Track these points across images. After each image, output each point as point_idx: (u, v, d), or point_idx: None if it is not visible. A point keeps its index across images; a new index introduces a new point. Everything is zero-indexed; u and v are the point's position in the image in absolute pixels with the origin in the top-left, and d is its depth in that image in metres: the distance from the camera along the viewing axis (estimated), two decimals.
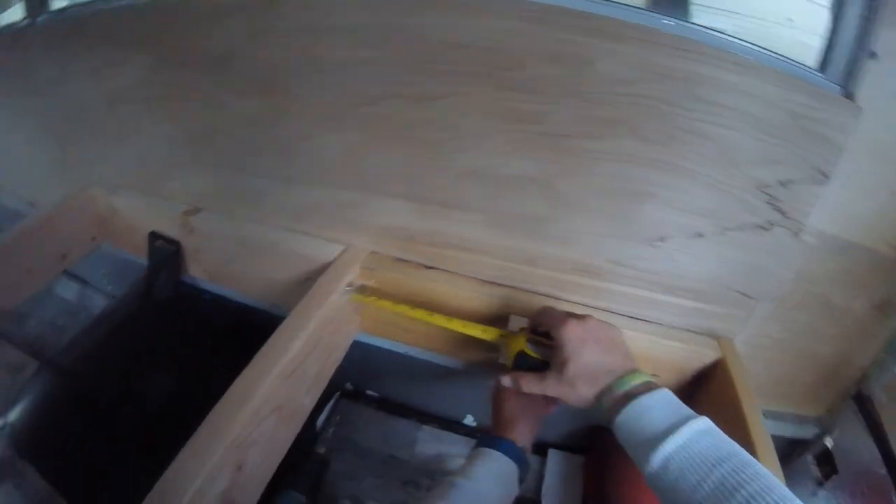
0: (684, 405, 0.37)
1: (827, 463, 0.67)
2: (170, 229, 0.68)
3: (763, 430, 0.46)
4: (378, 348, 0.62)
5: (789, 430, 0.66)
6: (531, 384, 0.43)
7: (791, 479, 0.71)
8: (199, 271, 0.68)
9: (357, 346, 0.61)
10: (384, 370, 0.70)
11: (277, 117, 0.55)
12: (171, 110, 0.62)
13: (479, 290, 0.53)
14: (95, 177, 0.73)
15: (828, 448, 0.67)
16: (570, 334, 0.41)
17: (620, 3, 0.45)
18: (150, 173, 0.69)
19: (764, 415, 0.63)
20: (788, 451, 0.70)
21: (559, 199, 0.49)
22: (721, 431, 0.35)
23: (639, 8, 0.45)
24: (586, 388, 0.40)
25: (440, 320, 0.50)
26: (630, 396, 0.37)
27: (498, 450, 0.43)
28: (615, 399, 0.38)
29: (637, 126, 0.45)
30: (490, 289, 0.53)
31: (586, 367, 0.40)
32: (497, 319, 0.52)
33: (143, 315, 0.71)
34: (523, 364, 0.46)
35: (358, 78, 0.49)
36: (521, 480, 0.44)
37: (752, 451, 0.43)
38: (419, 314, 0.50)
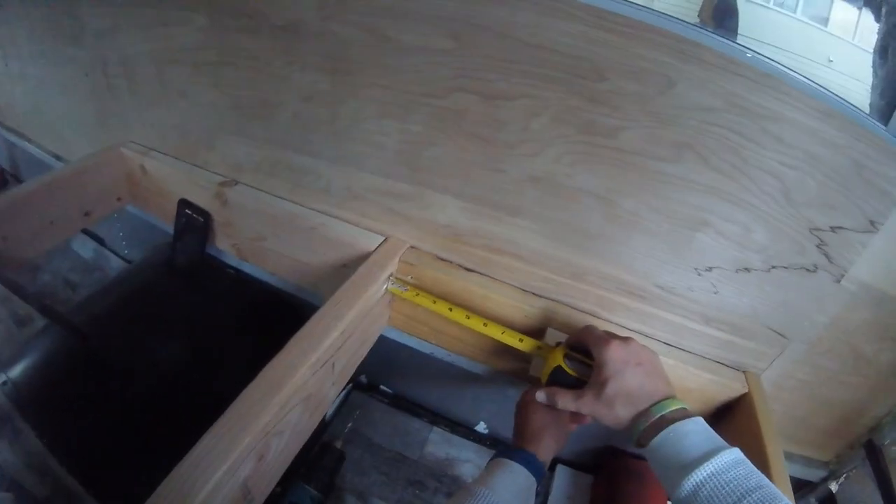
0: (717, 435, 0.38)
1: None
2: (201, 199, 0.66)
3: (783, 468, 0.47)
4: (399, 344, 0.61)
5: (796, 471, 0.66)
6: (566, 401, 0.43)
7: None
8: (226, 245, 0.67)
9: (381, 341, 0.60)
10: (402, 366, 0.69)
11: (338, 96, 0.53)
12: (223, 76, 0.60)
13: (519, 299, 0.52)
14: (130, 136, 0.71)
15: (832, 493, 0.68)
16: (613, 355, 0.41)
17: (706, 31, 0.45)
18: (190, 139, 0.67)
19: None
20: (794, 493, 0.71)
21: (617, 218, 0.49)
22: (751, 463, 0.35)
23: (726, 37, 0.45)
24: (624, 410, 0.40)
25: (477, 324, 0.50)
26: (666, 421, 0.38)
27: (520, 462, 0.43)
28: (651, 423, 0.39)
29: (707, 154, 0.45)
30: (531, 299, 0.53)
31: (626, 389, 0.40)
32: (532, 332, 0.52)
33: (163, 283, 0.69)
34: (558, 380, 0.46)
35: (431, 67, 0.47)
36: (537, 494, 0.43)
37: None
38: (457, 315, 0.50)
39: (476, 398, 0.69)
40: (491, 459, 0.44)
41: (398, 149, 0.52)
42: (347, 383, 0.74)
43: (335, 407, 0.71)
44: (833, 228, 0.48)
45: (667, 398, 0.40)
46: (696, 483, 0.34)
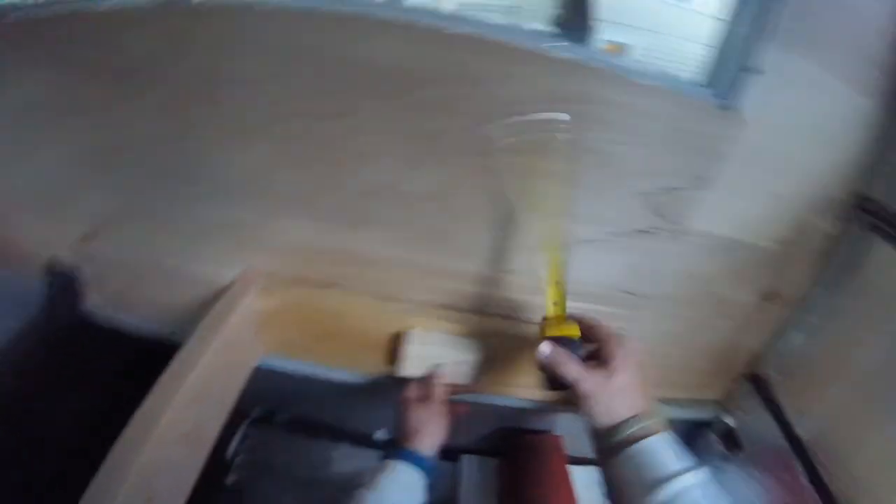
0: (688, 453, 0.38)
1: (731, 440, 0.73)
2: (67, 256, 0.64)
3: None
4: (284, 371, 0.61)
5: (689, 413, 0.70)
6: (572, 368, 0.41)
7: (698, 457, 0.77)
8: (97, 299, 0.65)
9: (263, 371, 0.60)
10: (292, 392, 0.69)
11: (181, 134, 0.52)
12: (71, 128, 0.57)
13: (381, 306, 0.53)
14: None
15: (730, 426, 0.72)
16: (631, 347, 0.42)
17: (511, 27, 0.45)
18: (46, 195, 0.64)
19: (663, 401, 0.69)
20: (692, 433, 0.76)
21: (456, 214, 0.50)
22: (717, 485, 0.36)
23: (530, 31, 0.45)
24: (622, 406, 0.40)
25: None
26: (646, 433, 0.38)
27: (402, 460, 0.45)
28: (633, 433, 0.38)
29: (528, 143, 0.45)
30: (390, 304, 0.54)
31: (631, 386, 0.41)
32: (396, 336, 0.53)
33: (42, 348, 0.67)
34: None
35: (262, 97, 0.47)
36: (431, 486, 0.45)
37: None
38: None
39: (369, 407, 0.70)
40: (379, 462, 0.46)
41: (240, 180, 0.52)
42: (238, 419, 0.74)
43: (235, 445, 0.71)
44: (664, 191, 0.50)
45: (637, 416, 0.39)
46: (666, 498, 0.34)
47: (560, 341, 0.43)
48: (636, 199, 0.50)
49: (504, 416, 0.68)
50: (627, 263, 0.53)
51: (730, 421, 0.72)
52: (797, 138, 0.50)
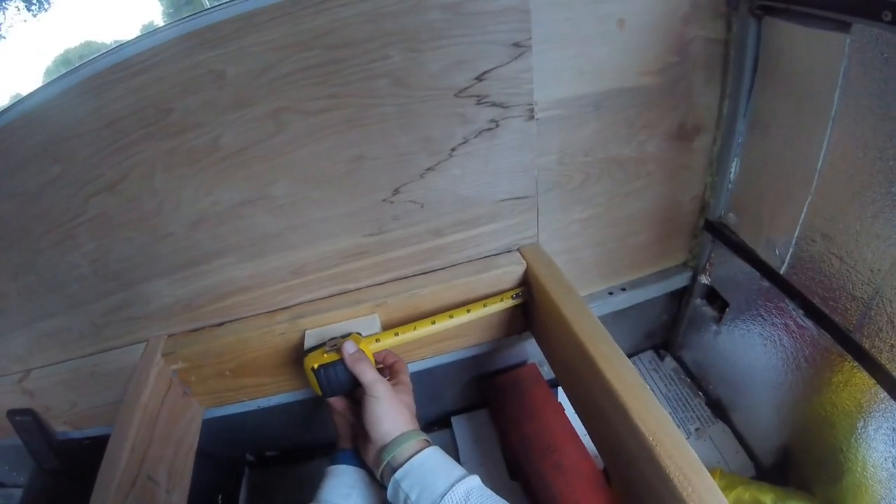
0: (454, 463, 0.40)
1: (715, 299, 0.66)
2: (18, 401, 0.66)
3: (588, 319, 0.44)
4: (242, 413, 0.60)
5: (661, 288, 0.64)
6: (370, 369, 0.44)
7: (692, 327, 0.70)
8: (61, 425, 0.67)
9: (226, 420, 0.60)
10: (265, 429, 0.69)
11: (28, 261, 0.52)
12: None
13: (269, 322, 0.51)
14: None
15: (708, 285, 0.65)
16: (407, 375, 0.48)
17: (213, 7, 0.41)
18: None
19: (623, 288, 0.63)
20: (676, 305, 0.69)
21: (282, 206, 0.47)
22: (488, 490, 0.37)
23: None
24: (402, 418, 0.42)
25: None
26: (408, 455, 0.40)
27: (343, 462, 0.45)
28: (395, 459, 0.40)
29: (301, 104, 0.42)
30: (277, 316, 0.52)
31: (409, 405, 0.45)
32: (296, 344, 0.51)
33: (49, 487, 0.70)
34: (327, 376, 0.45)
35: (60, 194, 0.46)
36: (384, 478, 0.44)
37: (580, 343, 0.42)
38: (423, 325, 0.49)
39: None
40: (324, 470, 0.46)
41: (92, 270, 0.51)
42: (238, 469, 0.75)
43: (244, 493, 0.72)
44: (479, 78, 0.44)
45: (410, 433, 0.41)
46: None
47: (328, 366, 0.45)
48: (454, 101, 0.44)
49: (473, 365, 0.65)
50: (491, 170, 0.47)
51: (705, 279, 0.65)
52: None
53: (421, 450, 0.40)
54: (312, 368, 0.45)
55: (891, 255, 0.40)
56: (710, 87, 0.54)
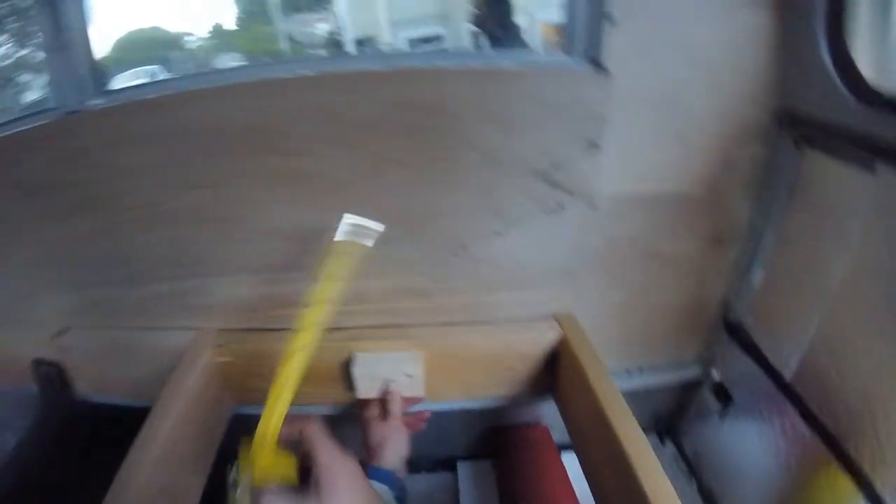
0: None
1: (721, 394, 0.70)
2: (49, 353, 0.69)
3: (613, 392, 0.49)
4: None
5: (674, 377, 0.69)
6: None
7: (697, 417, 0.74)
8: (84, 386, 0.69)
9: (253, 419, 0.62)
10: None
11: (105, 229, 0.57)
12: (20, 242, 0.63)
13: (325, 338, 0.54)
14: None
15: (717, 380, 0.70)
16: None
17: (351, 55, 0.48)
18: (15, 304, 0.70)
19: (641, 370, 0.67)
20: (685, 394, 0.73)
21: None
22: None
23: (369, 53, 0.48)
24: None
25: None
26: None
27: (368, 477, 0.45)
28: None
29: (401, 157, 0.48)
30: (334, 334, 0.55)
31: None
32: (347, 362, 0.55)
33: (48, 441, 0.72)
34: None
35: (158, 179, 0.52)
36: (400, 499, 0.46)
37: (604, 414, 0.46)
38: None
39: (354, 433, 0.71)
40: None
41: (168, 254, 0.56)
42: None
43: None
44: (555, 166, 0.51)
45: None
46: None
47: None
48: (532, 180, 0.50)
49: (489, 416, 0.68)
50: (548, 244, 0.53)
51: (716, 374, 0.69)
52: (682, 75, 0.48)
53: None
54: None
55: (886, 378, 0.44)
56: (747, 201, 0.60)
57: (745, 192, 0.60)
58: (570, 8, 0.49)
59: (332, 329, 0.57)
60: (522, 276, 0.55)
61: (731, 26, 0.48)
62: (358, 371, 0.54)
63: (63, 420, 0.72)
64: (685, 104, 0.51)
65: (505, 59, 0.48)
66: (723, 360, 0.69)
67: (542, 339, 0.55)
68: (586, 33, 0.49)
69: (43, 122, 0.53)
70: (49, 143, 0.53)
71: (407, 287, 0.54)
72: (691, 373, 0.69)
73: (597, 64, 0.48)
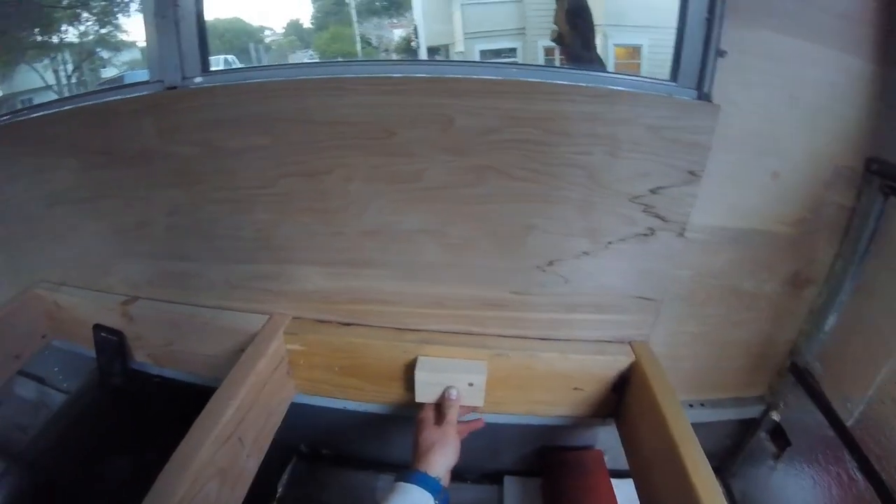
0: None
1: (779, 436, 0.69)
2: (112, 320, 0.70)
3: (682, 421, 0.48)
4: (323, 408, 0.64)
5: (733, 413, 0.67)
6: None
7: (750, 458, 0.73)
8: (143, 357, 0.70)
9: (305, 409, 0.63)
10: (334, 428, 0.72)
11: (193, 205, 0.58)
12: (101, 208, 0.65)
13: (395, 337, 0.55)
14: (39, 276, 0.76)
15: (777, 422, 0.68)
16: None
17: (470, 62, 0.48)
18: (88, 269, 0.72)
19: (703, 404, 0.66)
20: (741, 433, 0.72)
21: (452, 245, 0.52)
22: None
23: (488, 62, 0.48)
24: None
25: None
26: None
27: (413, 482, 0.46)
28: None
29: (507, 168, 0.48)
30: (405, 335, 0.56)
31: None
32: (411, 365, 0.55)
33: (98, 404, 0.73)
34: None
35: (257, 162, 0.53)
36: None
37: (672, 442, 0.46)
38: None
39: (404, 436, 0.68)
40: (392, 484, 0.47)
41: (253, 237, 0.57)
42: (286, 455, 0.77)
43: (285, 480, 0.73)
44: (653, 191, 0.50)
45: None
46: None
47: None
48: (628, 204, 0.50)
49: (542, 434, 0.68)
50: (634, 269, 0.53)
51: (776, 416, 0.68)
52: (786, 114, 0.49)
53: None
54: None
55: None
56: (830, 245, 0.59)
57: (829, 236, 0.59)
58: (681, 38, 0.49)
59: (403, 330, 0.58)
60: (603, 299, 0.54)
61: (835, 71, 0.47)
62: (420, 374, 0.54)
63: (114, 388, 0.74)
64: (782, 143, 0.51)
65: (616, 82, 0.48)
66: (785, 402, 0.68)
67: (615, 363, 0.54)
68: (696, 64, 0.48)
69: (141, 94, 0.54)
70: (146, 116, 0.54)
71: (486, 297, 0.54)
72: (751, 412, 0.68)
73: (704, 95, 0.48)
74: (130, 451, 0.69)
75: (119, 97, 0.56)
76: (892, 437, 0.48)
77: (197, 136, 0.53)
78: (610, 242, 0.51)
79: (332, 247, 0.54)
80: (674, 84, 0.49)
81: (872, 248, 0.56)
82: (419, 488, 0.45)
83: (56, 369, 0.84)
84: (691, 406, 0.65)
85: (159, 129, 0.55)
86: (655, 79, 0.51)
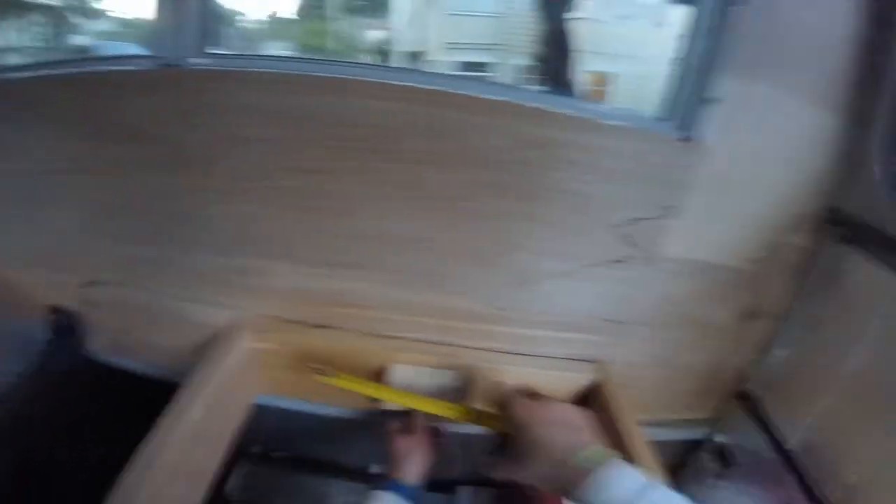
0: (640, 474, 0.36)
1: (722, 458, 0.74)
2: (67, 302, 0.66)
3: (638, 439, 0.52)
4: (282, 409, 0.63)
5: (681, 434, 0.71)
6: (498, 470, 0.41)
7: (692, 476, 0.77)
8: (99, 343, 0.67)
9: (262, 410, 0.62)
10: (290, 430, 0.70)
11: (178, 191, 0.56)
12: (74, 183, 0.61)
13: (369, 343, 0.55)
14: None
15: (720, 444, 0.73)
16: (518, 413, 0.42)
17: (489, 82, 0.49)
18: (50, 246, 0.67)
19: (650, 424, 0.70)
20: (685, 453, 0.76)
21: (439, 255, 0.53)
22: (677, 494, 0.35)
23: (506, 84, 0.48)
24: (539, 466, 0.39)
25: (399, 398, 0.51)
26: (588, 470, 0.36)
27: (389, 490, 0.47)
28: (574, 474, 0.37)
29: (504, 187, 0.49)
30: (379, 341, 0.56)
31: (535, 445, 0.39)
32: (382, 371, 0.55)
33: (43, 390, 0.69)
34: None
35: (254, 154, 0.51)
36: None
37: (632, 458, 0.48)
38: (384, 394, 0.52)
39: (364, 442, 0.70)
40: (367, 494, 0.47)
41: (237, 230, 0.55)
42: (236, 457, 0.74)
43: (234, 482, 0.71)
44: (632, 221, 0.53)
45: (584, 447, 0.38)
46: None
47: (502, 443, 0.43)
48: (607, 231, 0.52)
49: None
50: (605, 293, 0.55)
51: (721, 439, 0.73)
52: (762, 160, 0.52)
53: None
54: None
55: (882, 467, 0.48)
56: (783, 282, 0.64)
57: (784, 275, 0.63)
58: (675, 81, 0.51)
59: (376, 336, 0.58)
60: (574, 319, 0.56)
61: (809, 125, 0.51)
62: (391, 382, 0.54)
63: (61, 373, 0.70)
64: (752, 185, 0.54)
65: (609, 115, 0.50)
66: (729, 426, 0.72)
67: (577, 380, 0.57)
68: (686, 107, 0.51)
69: (138, 69, 0.51)
70: (141, 93, 0.51)
71: (464, 308, 0.55)
72: (696, 433, 0.72)
73: (690, 136, 0.50)
74: (76, 444, 0.65)
75: (112, 68, 0.52)
76: (832, 462, 0.53)
77: (195, 120, 0.51)
78: (586, 265, 0.53)
79: (318, 246, 0.53)
80: (666, 122, 0.51)
81: (822, 289, 0.61)
82: (395, 496, 0.46)
83: (3, 349, 0.78)
84: (638, 424, 0.68)
85: (152, 109, 0.52)
86: (647, 117, 0.53)
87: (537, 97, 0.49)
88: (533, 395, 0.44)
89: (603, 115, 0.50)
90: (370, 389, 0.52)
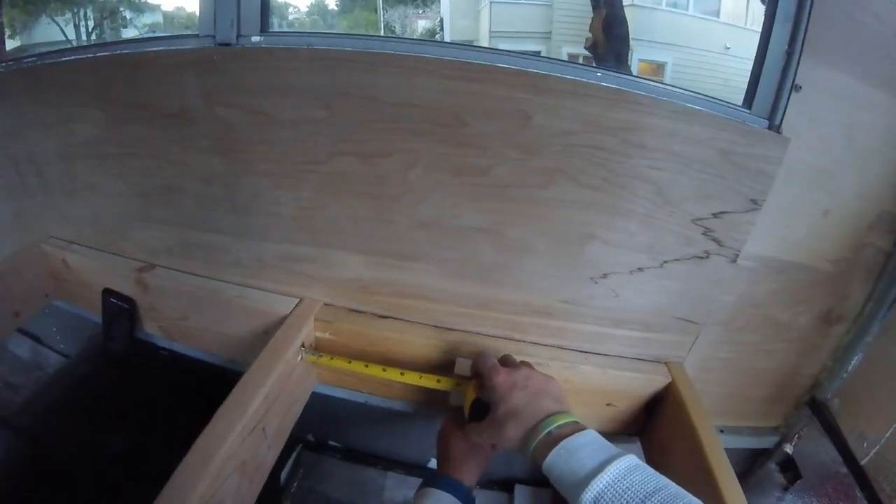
0: (610, 444, 0.37)
1: (790, 469, 0.70)
2: (124, 286, 0.66)
3: (718, 447, 0.48)
4: (338, 399, 0.62)
5: (749, 442, 0.68)
6: (475, 433, 0.45)
7: (757, 487, 0.73)
8: (153, 328, 0.67)
9: (317, 398, 0.61)
10: (346, 420, 0.70)
11: (232, 174, 0.55)
12: (126, 167, 0.61)
13: (433, 335, 0.54)
14: (48, 232, 0.71)
15: (789, 455, 0.69)
16: (499, 380, 0.43)
17: (555, 60, 0.46)
18: (104, 230, 0.68)
19: (721, 430, 0.66)
20: (751, 462, 0.72)
21: (507, 246, 0.50)
22: (648, 467, 0.34)
23: (573, 63, 0.46)
24: (513, 430, 0.40)
25: (394, 374, 0.50)
26: (555, 438, 0.37)
27: (445, 489, 0.44)
28: (543, 441, 0.38)
29: (576, 174, 0.47)
30: (443, 334, 0.54)
31: (512, 410, 0.41)
32: (450, 364, 0.52)
33: (99, 373, 0.70)
34: (479, 409, 0.47)
35: (310, 136, 0.49)
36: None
37: (708, 467, 0.45)
38: (373, 370, 0.51)
39: (421, 436, 0.70)
40: (418, 489, 0.45)
41: (295, 216, 0.54)
42: (291, 444, 0.74)
43: (288, 470, 0.71)
44: (715, 215, 0.50)
45: (555, 414, 0.39)
46: (594, 496, 0.33)
47: (473, 408, 0.47)
48: (689, 224, 0.49)
49: None
50: (682, 290, 0.52)
51: (788, 449, 0.69)
52: (839, 152, 0.49)
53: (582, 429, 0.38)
54: (475, 399, 0.46)
55: None
56: (863, 286, 0.60)
57: (863, 276, 0.59)
58: (759, 67, 0.48)
59: (442, 328, 0.57)
60: (649, 317, 0.53)
61: (891, 116, 0.48)
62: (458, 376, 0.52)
63: (117, 357, 0.70)
64: (835, 181, 0.51)
65: (695, 101, 0.47)
66: (799, 436, 0.68)
67: (651, 382, 0.54)
68: (771, 95, 0.48)
69: (187, 48, 0.51)
70: (191, 72, 0.50)
71: (534, 303, 0.53)
72: (765, 442, 0.68)
73: (775, 125, 0.48)
74: (129, 427, 0.65)
75: (160, 48, 0.51)
76: None
77: (247, 100, 0.50)
78: (665, 261, 0.50)
79: (380, 235, 0.51)
80: (747, 111, 0.49)
81: None
82: (451, 497, 0.43)
83: (54, 329, 0.79)
84: None
85: (204, 89, 0.51)
86: (729, 103, 0.50)
87: (616, 79, 0.45)
88: (510, 362, 0.45)
89: (681, 98, 0.47)
90: (358, 367, 0.52)
